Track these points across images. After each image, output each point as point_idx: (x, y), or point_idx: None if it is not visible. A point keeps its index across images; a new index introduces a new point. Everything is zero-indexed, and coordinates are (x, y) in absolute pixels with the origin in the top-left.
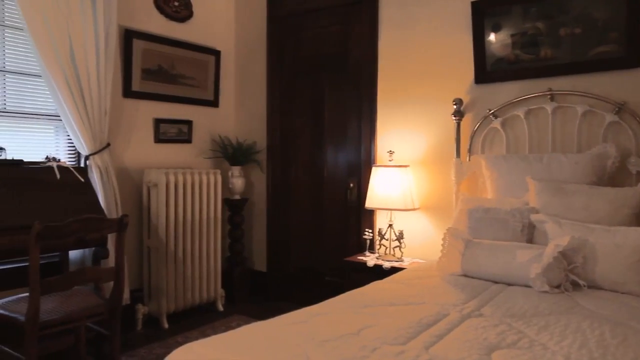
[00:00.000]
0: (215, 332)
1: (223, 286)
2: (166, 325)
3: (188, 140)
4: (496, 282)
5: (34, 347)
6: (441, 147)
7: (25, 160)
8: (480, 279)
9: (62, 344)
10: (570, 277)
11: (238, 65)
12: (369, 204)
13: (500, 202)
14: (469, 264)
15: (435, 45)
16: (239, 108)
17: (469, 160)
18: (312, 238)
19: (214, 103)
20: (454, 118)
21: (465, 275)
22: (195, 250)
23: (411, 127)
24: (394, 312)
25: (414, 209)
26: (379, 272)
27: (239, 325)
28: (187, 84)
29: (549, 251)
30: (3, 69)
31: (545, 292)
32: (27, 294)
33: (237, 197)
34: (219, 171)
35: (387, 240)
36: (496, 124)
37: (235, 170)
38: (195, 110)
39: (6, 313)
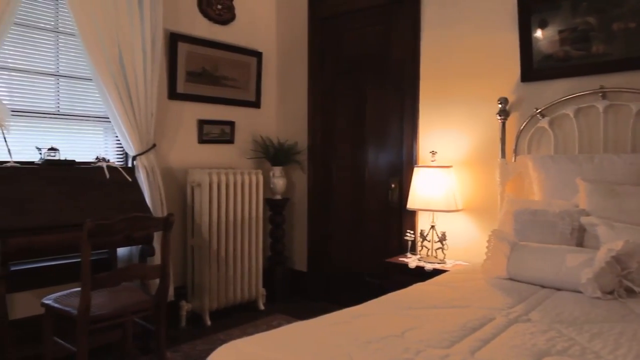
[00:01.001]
0: (257, 331)
1: (264, 285)
2: (209, 323)
3: (231, 140)
4: (544, 287)
5: (85, 340)
6: (485, 147)
7: (77, 160)
8: (527, 283)
9: (110, 338)
10: (625, 283)
11: (279, 66)
12: (411, 204)
13: (548, 204)
14: (515, 267)
15: (479, 43)
16: (281, 109)
17: (515, 160)
18: (352, 238)
19: (255, 104)
20: (499, 117)
21: (511, 279)
22: (238, 249)
23: (454, 127)
24: (438, 314)
25: (457, 210)
26: (421, 274)
27: (280, 324)
28: (230, 85)
29: (601, 255)
30: (57, 73)
31: (597, 298)
32: (78, 289)
33: (279, 197)
34: (260, 171)
35: (429, 241)
36: (544, 123)
37: (277, 170)
38: (238, 111)
39: (60, 306)
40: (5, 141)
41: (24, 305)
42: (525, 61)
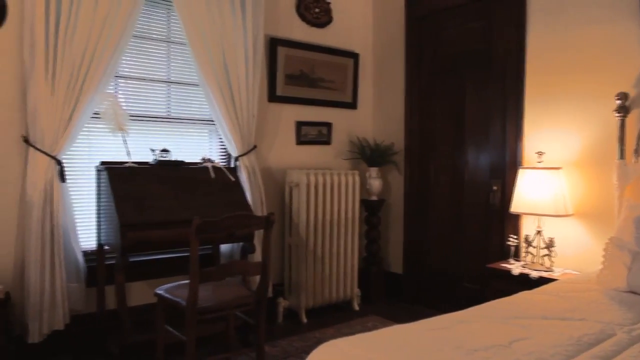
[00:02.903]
0: (352, 331)
1: (359, 286)
2: (304, 320)
3: (327, 141)
4: None
5: (194, 329)
6: (600, 147)
7: (185, 160)
8: None
9: (214, 329)
10: None
11: (376, 67)
12: (515, 208)
13: None
14: (638, 279)
15: (594, 34)
16: (377, 109)
17: (636, 162)
18: (450, 242)
19: (352, 105)
20: (617, 115)
21: (632, 292)
22: (334, 249)
23: (564, 125)
24: (548, 326)
25: (566, 215)
26: (525, 282)
27: (375, 326)
28: (327, 87)
29: None
30: (168, 80)
31: None
32: (186, 281)
33: (375, 198)
34: (357, 172)
35: (534, 247)
36: None
37: (373, 171)
38: (335, 113)
39: (170, 297)
40: (125, 143)
41: (138, 293)
42: None
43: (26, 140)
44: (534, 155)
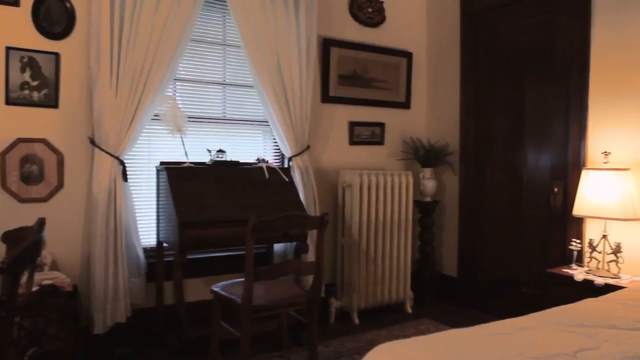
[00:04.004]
0: (404, 334)
1: (411, 288)
2: (357, 321)
3: (380, 142)
4: None
5: (249, 326)
6: None
7: (240, 161)
8: None
9: (267, 327)
10: None
11: (430, 66)
12: (578, 211)
13: None
14: None
15: None
16: (431, 109)
17: None
18: (507, 245)
19: (405, 105)
20: None
21: None
22: (386, 250)
23: (632, 124)
24: (617, 336)
25: (635, 219)
26: (589, 289)
27: (428, 329)
28: (380, 87)
29: None
30: (224, 82)
31: None
32: (240, 279)
33: (428, 199)
34: (410, 173)
35: (599, 253)
36: None
37: (427, 172)
38: (388, 113)
39: (226, 294)
40: (183, 144)
41: (194, 290)
42: None
43: (92, 142)
44: (599, 155)
